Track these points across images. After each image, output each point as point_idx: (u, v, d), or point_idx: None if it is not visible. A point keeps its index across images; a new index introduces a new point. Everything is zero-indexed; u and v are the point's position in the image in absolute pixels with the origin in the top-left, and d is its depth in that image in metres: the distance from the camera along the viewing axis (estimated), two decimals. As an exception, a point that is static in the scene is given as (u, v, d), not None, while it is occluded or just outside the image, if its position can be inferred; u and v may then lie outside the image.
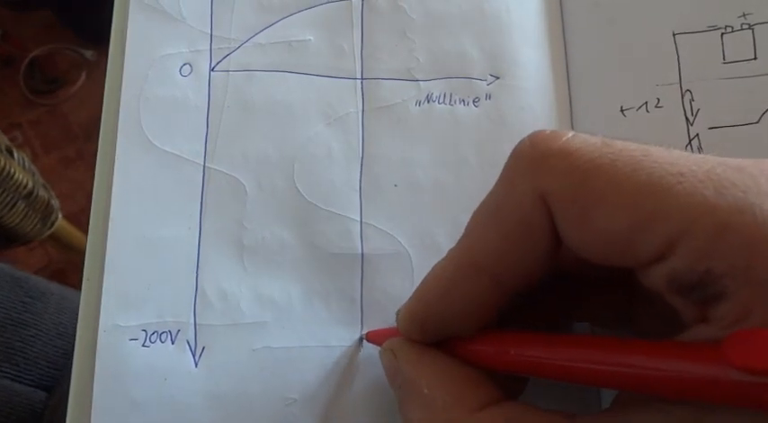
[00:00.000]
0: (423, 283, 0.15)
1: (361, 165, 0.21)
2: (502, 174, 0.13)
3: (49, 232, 0.62)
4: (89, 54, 1.08)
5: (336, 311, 0.19)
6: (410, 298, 0.15)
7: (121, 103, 0.21)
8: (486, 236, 0.14)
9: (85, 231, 0.22)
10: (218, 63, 0.22)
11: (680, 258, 0.11)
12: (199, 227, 0.20)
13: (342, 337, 0.19)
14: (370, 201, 0.20)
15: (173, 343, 0.19)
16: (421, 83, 0.21)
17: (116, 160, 0.21)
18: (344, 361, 0.19)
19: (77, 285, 0.20)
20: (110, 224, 0.20)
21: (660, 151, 0.12)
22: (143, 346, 0.19)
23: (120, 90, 0.21)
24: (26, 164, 0.59)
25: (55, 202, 0.63)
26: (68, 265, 0.90)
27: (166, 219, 0.20)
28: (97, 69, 1.07)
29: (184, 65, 0.22)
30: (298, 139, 0.21)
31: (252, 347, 0.19)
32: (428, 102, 0.21)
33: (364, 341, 0.19)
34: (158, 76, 0.21)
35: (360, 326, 0.19)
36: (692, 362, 0.11)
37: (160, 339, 0.19)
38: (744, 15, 0.21)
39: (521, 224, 0.13)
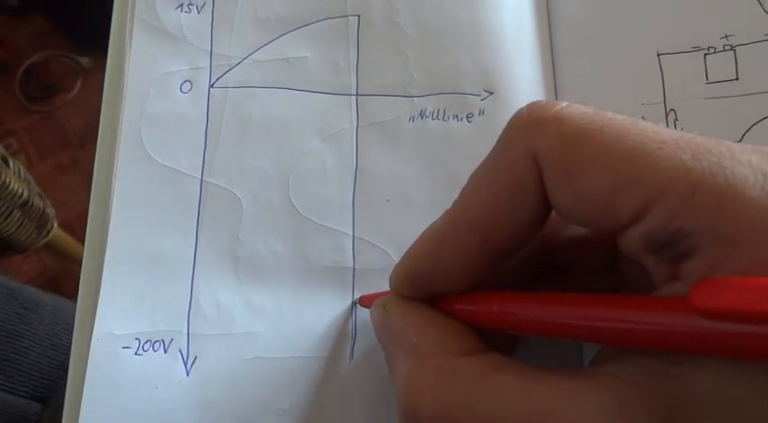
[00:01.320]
0: (416, 241, 0.16)
1: (355, 180, 0.21)
2: (498, 139, 0.14)
3: (44, 241, 0.62)
4: (85, 61, 1.08)
5: (328, 324, 0.20)
6: (403, 256, 0.16)
7: (123, 120, 0.22)
8: (479, 195, 0.14)
9: (80, 238, 0.22)
10: (217, 80, 0.22)
11: (654, 218, 0.11)
12: (195, 239, 0.21)
13: (333, 348, 0.19)
14: (362, 215, 0.21)
15: (165, 352, 0.19)
16: (415, 99, 0.22)
17: (116, 174, 0.21)
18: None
19: (72, 293, 0.21)
20: (109, 235, 0.20)
21: (648, 124, 0.12)
22: (135, 354, 0.19)
23: (118, 106, 0.22)
24: (21, 173, 0.59)
25: (50, 211, 0.63)
26: (63, 273, 0.90)
27: (164, 231, 0.21)
28: (93, 76, 1.07)
29: (185, 82, 0.22)
30: (293, 154, 0.21)
31: (243, 357, 0.19)
32: (422, 117, 0.22)
33: (356, 311, 0.20)
34: (159, 93, 0.22)
35: (351, 338, 0.20)
36: (661, 312, 0.11)
37: (153, 348, 0.19)
38: (726, 37, 0.21)
39: (512, 184, 0.13)
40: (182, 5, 0.23)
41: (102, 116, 0.22)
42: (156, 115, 0.22)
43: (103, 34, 0.23)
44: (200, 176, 0.21)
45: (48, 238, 0.63)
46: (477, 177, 0.15)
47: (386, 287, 0.20)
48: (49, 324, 0.38)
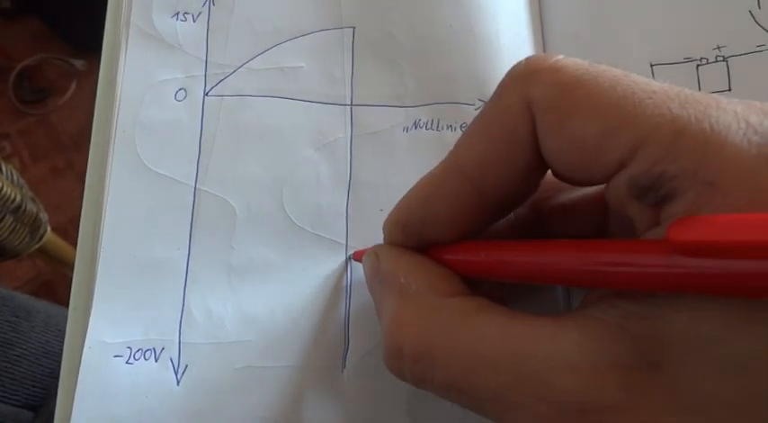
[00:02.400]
0: (410, 189, 0.16)
1: (349, 190, 0.21)
2: (496, 89, 0.14)
3: (37, 246, 0.61)
4: (79, 64, 1.08)
5: (321, 333, 0.20)
6: (396, 203, 0.16)
7: (117, 127, 0.22)
8: (472, 142, 0.14)
9: (74, 242, 0.22)
10: (212, 88, 0.22)
11: (639, 162, 0.12)
12: (188, 247, 0.21)
13: (326, 358, 0.19)
14: (356, 225, 0.21)
15: (156, 360, 0.19)
16: (409, 109, 0.22)
17: (110, 182, 0.21)
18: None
19: (66, 297, 0.20)
20: (102, 243, 0.20)
21: (640, 77, 0.12)
22: (126, 362, 0.19)
23: (111, 113, 0.22)
24: (14, 177, 0.59)
25: (43, 216, 0.63)
26: (56, 277, 0.89)
27: (157, 239, 0.21)
28: (87, 79, 1.07)
29: (179, 90, 0.22)
30: (287, 164, 0.21)
31: (234, 366, 0.19)
32: (415, 127, 0.22)
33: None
34: (154, 100, 0.22)
35: (344, 348, 0.20)
36: (640, 252, 0.11)
37: (144, 357, 0.19)
38: (718, 48, 0.21)
39: (505, 131, 0.14)
40: (177, 14, 0.23)
41: (94, 123, 0.22)
42: (150, 123, 0.22)
43: (98, 37, 0.23)
44: (193, 184, 0.21)
45: (41, 242, 0.63)
46: (472, 126, 0.15)
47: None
48: (41, 332, 0.38)
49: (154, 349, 0.19)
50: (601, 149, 0.12)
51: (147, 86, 0.22)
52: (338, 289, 0.20)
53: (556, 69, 0.13)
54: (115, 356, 0.19)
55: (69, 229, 0.90)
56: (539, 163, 0.14)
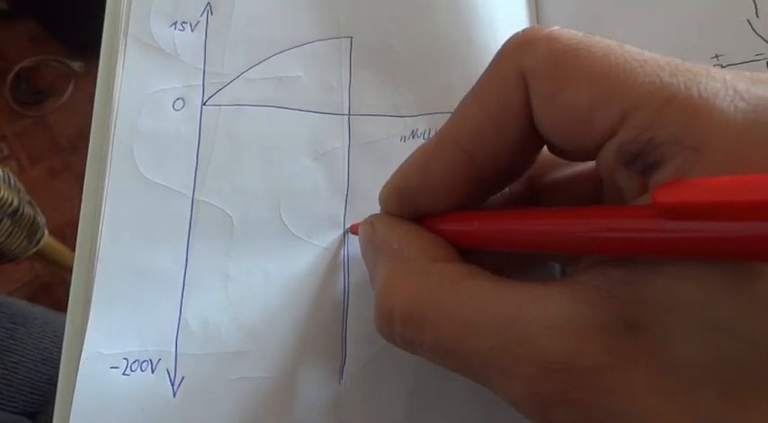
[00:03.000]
0: (406, 159, 0.16)
1: (346, 199, 0.21)
2: (492, 59, 0.14)
3: (34, 250, 0.61)
4: (76, 65, 1.08)
5: (318, 343, 0.20)
6: (393, 173, 0.16)
7: (114, 137, 0.21)
8: (467, 112, 0.15)
9: (72, 244, 0.22)
10: (209, 98, 0.22)
11: (628, 129, 0.12)
12: (185, 257, 0.20)
13: (323, 368, 0.19)
14: (354, 235, 0.21)
15: (153, 372, 0.19)
16: (407, 119, 0.22)
17: (107, 192, 0.21)
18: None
19: (64, 300, 0.20)
20: (99, 254, 0.20)
21: (633, 47, 0.13)
22: (123, 374, 0.19)
23: (108, 123, 0.22)
24: (11, 181, 0.59)
25: (41, 219, 0.63)
26: (54, 279, 0.89)
27: (154, 249, 0.20)
28: (84, 81, 1.07)
29: (177, 99, 0.22)
30: (285, 173, 0.21)
31: (230, 377, 0.19)
32: (413, 137, 0.22)
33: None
34: (152, 110, 0.22)
35: (342, 359, 0.20)
36: (625, 217, 0.12)
37: (140, 368, 0.19)
38: (716, 57, 0.21)
39: (500, 100, 0.14)
40: (175, 24, 0.23)
41: (92, 133, 0.22)
42: (148, 132, 0.22)
43: (95, 39, 0.23)
44: (191, 194, 0.21)
45: (38, 246, 0.63)
46: (468, 96, 0.15)
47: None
48: (38, 338, 0.37)
49: (150, 360, 0.19)
50: (592, 117, 0.12)
51: (144, 96, 0.22)
52: (335, 299, 0.20)
53: (550, 39, 0.13)
54: (112, 368, 0.19)
55: (67, 232, 0.89)
56: (532, 134, 0.14)
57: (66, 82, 1.06)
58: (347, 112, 0.22)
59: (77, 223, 0.21)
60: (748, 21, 0.22)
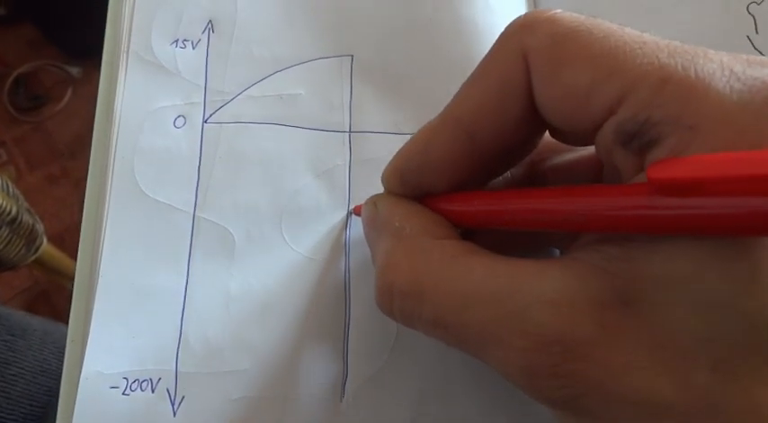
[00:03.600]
0: (409, 139, 0.16)
1: (348, 217, 0.21)
2: (495, 41, 0.15)
3: (33, 258, 0.61)
4: (75, 71, 1.08)
5: (319, 361, 0.20)
6: (395, 153, 0.17)
7: (116, 154, 0.22)
8: (469, 91, 0.15)
9: (70, 250, 0.22)
10: (211, 115, 0.22)
11: (626, 109, 0.12)
12: (186, 274, 0.20)
13: (324, 387, 0.19)
14: (356, 252, 0.21)
15: (153, 391, 0.19)
16: (407, 136, 0.22)
17: (108, 211, 0.21)
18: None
19: (63, 307, 0.20)
20: (100, 273, 0.20)
21: (633, 30, 0.13)
22: (123, 393, 0.19)
23: (109, 139, 0.22)
24: (10, 189, 0.59)
25: (39, 227, 0.63)
26: (53, 286, 0.89)
27: (155, 267, 0.20)
28: (83, 86, 1.06)
29: (178, 117, 0.22)
30: (287, 190, 0.21)
31: (231, 397, 0.19)
32: (414, 154, 0.22)
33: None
34: (153, 127, 0.22)
35: (343, 377, 0.19)
36: (621, 195, 0.12)
37: (140, 387, 0.19)
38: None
39: (501, 80, 0.14)
40: (177, 41, 0.23)
41: (92, 150, 0.22)
42: (149, 149, 0.22)
43: (94, 44, 0.23)
44: (192, 211, 0.21)
45: (37, 254, 0.63)
46: (470, 77, 0.15)
47: (378, 324, 0.20)
48: (38, 349, 0.37)
49: (150, 379, 0.19)
50: (591, 97, 0.12)
51: (145, 113, 0.22)
52: (337, 316, 0.20)
53: (552, 21, 0.13)
54: (111, 387, 0.19)
55: (66, 238, 0.89)
56: (532, 115, 0.14)
57: (64, 87, 1.06)
58: (348, 130, 0.22)
59: (76, 229, 0.21)
60: (748, 37, 0.22)
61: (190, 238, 0.21)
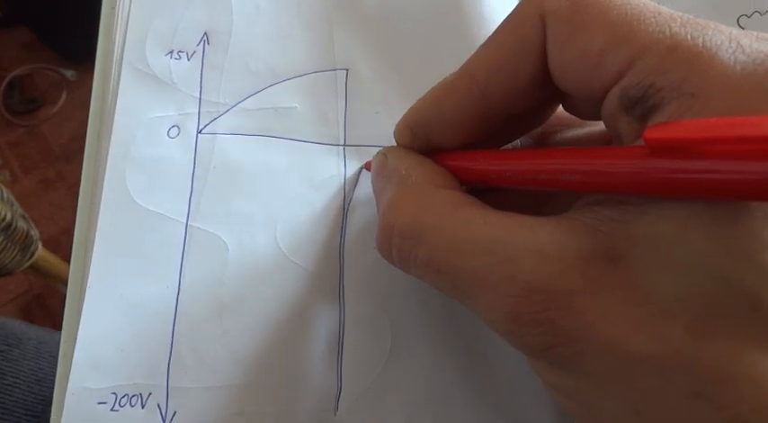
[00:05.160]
0: (423, 94, 0.17)
1: (343, 227, 0.21)
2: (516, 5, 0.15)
3: (28, 263, 0.61)
4: (70, 74, 1.07)
5: (314, 374, 0.19)
6: (409, 108, 0.17)
7: (108, 163, 0.21)
8: (485, 48, 0.15)
9: (65, 254, 0.22)
10: (205, 126, 0.22)
11: (633, 74, 0.12)
12: (178, 285, 0.20)
13: (319, 400, 0.19)
14: (350, 262, 0.21)
15: (143, 407, 0.19)
16: (402, 149, 0.22)
17: (99, 219, 0.21)
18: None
19: (59, 310, 0.20)
20: (88, 284, 0.20)
21: (654, 3, 0.13)
22: (111, 410, 0.19)
23: (102, 149, 0.22)
24: (4, 195, 0.58)
25: (34, 233, 0.62)
26: (49, 290, 0.88)
27: (145, 278, 0.20)
28: (78, 89, 1.06)
29: (172, 127, 0.22)
30: (281, 200, 0.21)
31: (225, 412, 0.19)
32: (409, 166, 0.22)
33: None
34: (146, 137, 0.22)
35: (337, 390, 0.19)
36: (617, 157, 0.12)
37: (130, 403, 0.19)
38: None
39: (517, 39, 0.14)
40: (171, 52, 0.23)
41: (84, 160, 0.22)
42: (142, 159, 0.22)
43: (88, 47, 0.23)
44: (185, 221, 0.21)
45: (32, 260, 0.62)
46: (489, 37, 0.15)
47: (372, 335, 0.20)
48: (33, 359, 0.37)
49: (140, 395, 0.19)
50: (601, 61, 0.13)
51: (139, 123, 0.22)
52: (331, 328, 0.20)
53: None
54: (99, 403, 0.19)
55: (62, 241, 0.89)
56: (544, 79, 0.14)
57: (59, 90, 1.06)
58: (343, 143, 0.22)
59: (71, 232, 0.21)
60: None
61: (182, 247, 0.21)
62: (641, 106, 0.12)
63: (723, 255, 0.11)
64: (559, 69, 0.14)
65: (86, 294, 0.20)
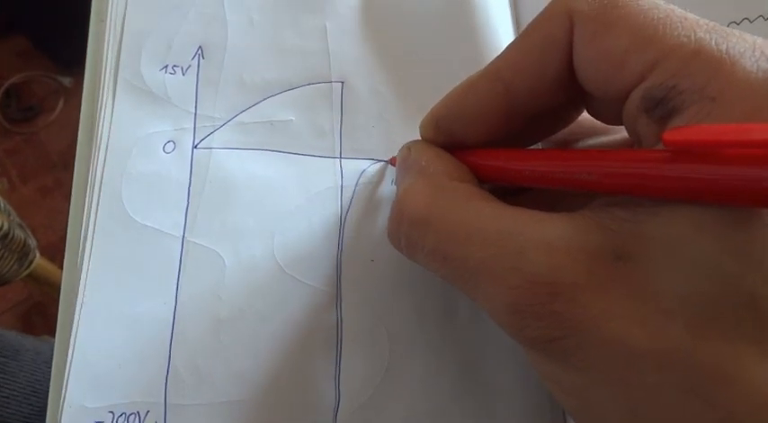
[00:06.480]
0: (450, 90, 0.17)
1: (340, 240, 0.21)
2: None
3: (26, 273, 0.61)
4: (66, 81, 1.07)
5: (313, 388, 0.19)
6: (435, 103, 0.17)
7: (104, 179, 0.21)
8: (512, 46, 0.15)
9: (63, 262, 0.21)
10: (201, 141, 0.22)
11: (656, 76, 0.13)
12: (175, 300, 0.20)
13: (316, 414, 0.19)
14: (348, 275, 0.21)
15: None
16: (398, 160, 0.22)
17: (94, 236, 0.21)
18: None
19: (57, 319, 0.20)
20: (83, 301, 0.20)
21: (679, 8, 0.14)
22: None
23: (90, 164, 0.21)
24: (1, 205, 0.58)
25: (32, 242, 0.62)
26: (48, 298, 0.88)
27: (142, 294, 0.20)
28: (75, 96, 1.06)
29: (168, 142, 0.22)
30: (278, 213, 0.21)
31: None
32: (405, 179, 0.22)
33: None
34: (142, 152, 0.22)
35: (335, 404, 0.19)
36: (636, 158, 0.13)
37: (128, 421, 0.19)
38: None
39: (544, 36, 0.15)
40: (166, 67, 0.23)
41: (75, 174, 0.22)
42: (138, 175, 0.21)
43: (85, 54, 0.23)
44: (181, 236, 0.21)
45: (30, 269, 0.62)
46: (517, 36, 0.16)
47: (370, 348, 0.20)
48: (30, 370, 0.37)
49: (138, 413, 0.19)
50: (626, 61, 0.13)
51: (135, 139, 0.22)
52: (329, 341, 0.20)
53: None
54: None
55: (61, 248, 0.89)
56: (569, 79, 0.15)
57: (56, 98, 1.06)
58: (339, 156, 0.22)
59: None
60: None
61: (179, 262, 0.20)
62: (662, 108, 0.12)
63: (728, 256, 0.11)
64: (584, 68, 0.14)
65: (82, 311, 0.20)
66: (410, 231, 0.16)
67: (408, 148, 0.18)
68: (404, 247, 0.16)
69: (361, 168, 0.22)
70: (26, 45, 1.08)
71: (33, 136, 1.03)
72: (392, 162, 0.21)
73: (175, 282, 0.20)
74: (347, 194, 0.22)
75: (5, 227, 0.56)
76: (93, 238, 0.20)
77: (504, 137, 0.16)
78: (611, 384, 0.12)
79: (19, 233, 0.60)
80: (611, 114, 0.16)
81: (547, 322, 0.12)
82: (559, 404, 0.16)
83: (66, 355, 0.19)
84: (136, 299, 0.20)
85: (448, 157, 0.17)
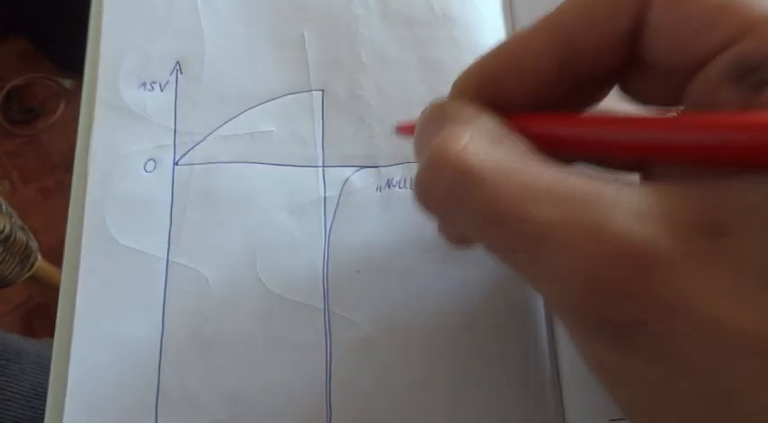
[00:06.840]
0: (495, 46, 0.15)
1: (325, 252, 0.21)
2: None
3: (28, 275, 0.61)
4: (67, 83, 1.08)
5: (304, 405, 0.19)
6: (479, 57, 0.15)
7: (86, 203, 0.21)
8: (575, 1, 0.14)
9: None
10: (181, 157, 0.22)
11: (751, 40, 0.11)
12: (161, 322, 0.20)
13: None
14: (334, 288, 0.20)
15: None
16: (381, 169, 0.22)
17: (81, 261, 0.21)
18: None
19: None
20: (74, 327, 0.20)
21: None
22: None
23: (87, 188, 0.22)
24: (2, 207, 0.59)
25: (33, 244, 0.63)
26: (49, 300, 0.89)
27: (129, 317, 0.20)
28: (76, 98, 1.06)
29: (149, 161, 0.22)
30: (261, 229, 0.21)
31: None
32: (389, 187, 0.22)
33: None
34: (123, 173, 0.22)
35: (327, 420, 0.19)
36: (738, 123, 0.11)
37: None
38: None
39: None
40: (144, 84, 0.23)
41: (74, 175, 0.22)
42: (120, 196, 0.21)
43: (85, 56, 0.23)
44: (165, 257, 0.21)
45: (31, 271, 0.63)
46: None
47: (361, 362, 0.20)
48: (32, 373, 0.37)
49: None
50: (711, 25, 0.12)
51: (115, 158, 0.22)
52: (318, 357, 0.20)
53: None
54: None
55: (61, 251, 0.89)
56: (632, 41, 0.13)
57: (57, 100, 1.06)
58: (321, 164, 0.22)
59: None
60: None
61: (164, 284, 0.20)
62: (757, 76, 0.11)
63: None
64: (658, 32, 0.13)
65: (73, 336, 0.20)
66: (454, 182, 0.12)
67: (441, 104, 0.15)
68: (443, 198, 0.13)
69: (344, 176, 0.22)
70: (27, 47, 1.09)
71: (34, 138, 1.04)
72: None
73: (161, 304, 0.20)
74: (331, 205, 0.21)
75: (7, 229, 0.57)
76: (81, 262, 0.21)
77: (546, 103, 0.14)
78: (700, 375, 0.10)
79: (21, 235, 0.60)
80: (658, 91, 0.14)
81: (632, 301, 0.11)
82: (617, 404, 0.13)
83: (66, 368, 0.20)
84: (124, 323, 0.20)
85: (493, 113, 0.14)
